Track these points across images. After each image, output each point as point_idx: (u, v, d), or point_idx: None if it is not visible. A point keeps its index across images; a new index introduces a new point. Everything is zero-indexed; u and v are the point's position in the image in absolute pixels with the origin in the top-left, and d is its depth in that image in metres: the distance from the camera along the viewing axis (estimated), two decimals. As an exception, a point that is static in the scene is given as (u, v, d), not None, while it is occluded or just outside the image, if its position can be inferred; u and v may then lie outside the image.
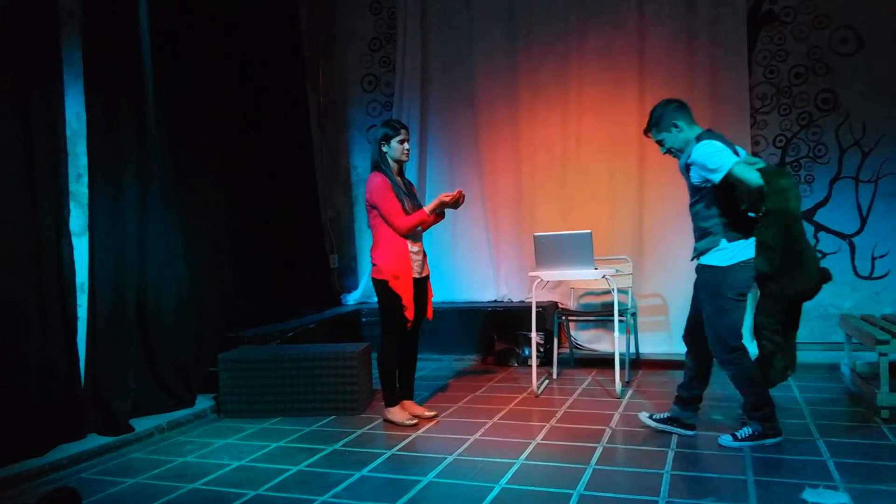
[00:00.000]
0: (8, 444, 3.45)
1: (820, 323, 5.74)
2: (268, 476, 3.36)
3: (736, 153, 3.47)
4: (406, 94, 6.77)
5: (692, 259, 3.66)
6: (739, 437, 3.55)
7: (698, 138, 3.49)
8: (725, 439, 3.57)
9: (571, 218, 6.18)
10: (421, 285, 4.22)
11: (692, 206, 3.60)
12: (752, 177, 3.29)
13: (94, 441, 3.84)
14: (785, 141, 5.84)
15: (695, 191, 3.55)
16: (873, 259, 5.65)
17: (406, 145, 4.17)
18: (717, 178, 3.36)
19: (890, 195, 5.58)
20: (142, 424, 4.12)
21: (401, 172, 4.26)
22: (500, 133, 6.55)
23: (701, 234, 3.57)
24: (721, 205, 3.46)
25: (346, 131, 7.17)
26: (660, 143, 3.64)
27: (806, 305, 5.68)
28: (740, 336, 3.54)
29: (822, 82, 5.70)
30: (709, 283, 3.53)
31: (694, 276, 5.97)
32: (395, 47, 6.89)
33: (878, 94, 5.54)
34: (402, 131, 4.16)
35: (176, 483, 3.31)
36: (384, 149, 4.14)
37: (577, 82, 6.27)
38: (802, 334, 5.72)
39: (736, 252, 3.46)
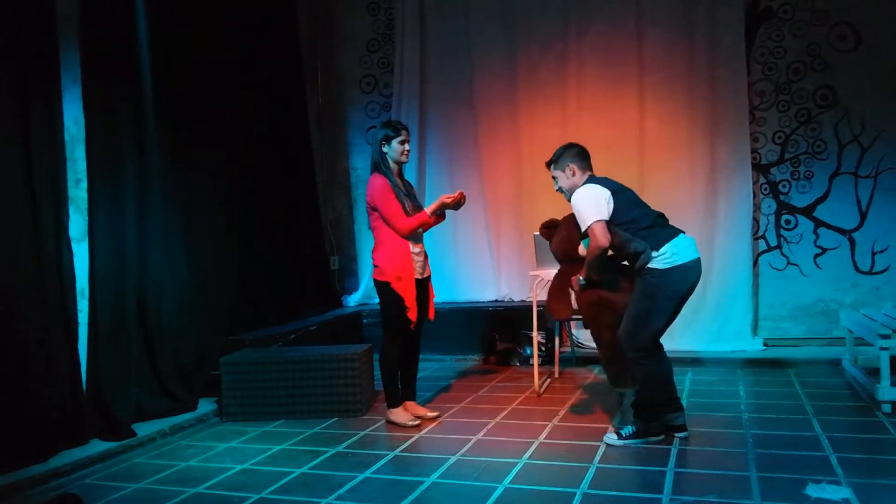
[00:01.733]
0: (11, 449, 3.45)
1: (821, 318, 5.75)
2: (271, 479, 3.36)
3: (622, 193, 3.64)
4: (405, 94, 6.77)
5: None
6: (626, 436, 3.61)
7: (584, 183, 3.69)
8: (609, 437, 3.65)
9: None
10: (423, 286, 4.22)
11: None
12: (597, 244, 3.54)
13: (97, 446, 3.83)
14: (784, 137, 5.84)
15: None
16: (873, 254, 5.65)
17: (406, 146, 4.17)
18: (583, 227, 3.59)
19: (889, 190, 5.58)
20: (144, 429, 4.12)
21: (400, 173, 4.26)
22: (499, 133, 6.55)
23: (630, 258, 3.65)
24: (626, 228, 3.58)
25: (346, 132, 7.17)
26: (554, 178, 3.84)
27: (806, 301, 5.76)
28: (658, 338, 3.63)
29: (821, 78, 5.71)
30: (648, 284, 3.56)
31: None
32: (393, 48, 6.89)
33: (877, 90, 5.54)
34: (403, 132, 4.16)
35: (179, 487, 3.31)
36: (384, 150, 4.14)
37: (576, 81, 6.27)
38: (804, 330, 5.81)
39: (667, 257, 3.52)
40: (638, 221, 3.57)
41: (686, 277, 3.55)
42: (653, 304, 3.55)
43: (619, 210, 3.57)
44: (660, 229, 3.60)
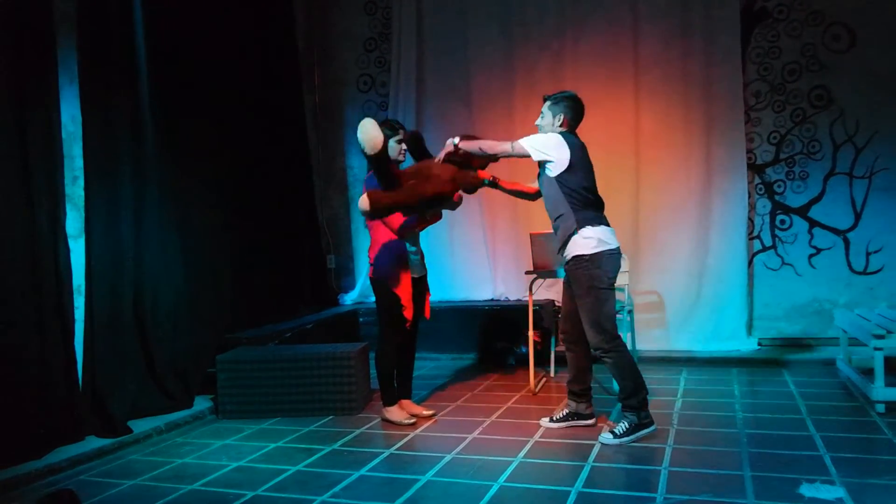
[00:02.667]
0: (6, 446, 3.45)
1: (815, 318, 5.77)
2: (266, 476, 3.37)
3: (585, 157, 3.76)
4: (401, 93, 6.78)
5: (559, 252, 3.77)
6: (619, 434, 3.61)
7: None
8: (606, 437, 3.62)
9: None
10: (419, 285, 4.23)
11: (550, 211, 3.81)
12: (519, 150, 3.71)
13: (93, 443, 3.84)
14: (779, 137, 5.86)
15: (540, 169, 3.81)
16: (868, 254, 5.67)
17: (403, 146, 4.17)
18: (521, 148, 3.69)
19: (884, 190, 5.60)
20: (140, 426, 4.13)
21: None
22: (496, 131, 6.52)
23: (556, 223, 3.75)
24: (580, 188, 3.70)
25: (342, 131, 7.16)
26: (541, 113, 3.85)
27: (801, 301, 5.78)
28: (615, 324, 3.74)
29: (816, 79, 5.72)
30: (584, 276, 3.64)
31: (689, 272, 5.99)
32: (390, 47, 6.89)
33: (872, 90, 5.56)
34: (401, 131, 4.16)
35: (175, 484, 3.32)
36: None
37: (572, 80, 6.25)
38: (799, 330, 5.83)
39: (599, 240, 3.63)
40: (590, 190, 3.72)
41: (615, 262, 3.69)
42: (598, 294, 3.63)
43: (578, 166, 3.67)
44: (598, 212, 3.74)
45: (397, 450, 3.72)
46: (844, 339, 4.94)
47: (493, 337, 6.03)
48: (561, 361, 5.68)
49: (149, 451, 3.87)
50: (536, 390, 4.87)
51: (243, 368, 4.51)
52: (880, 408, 3.97)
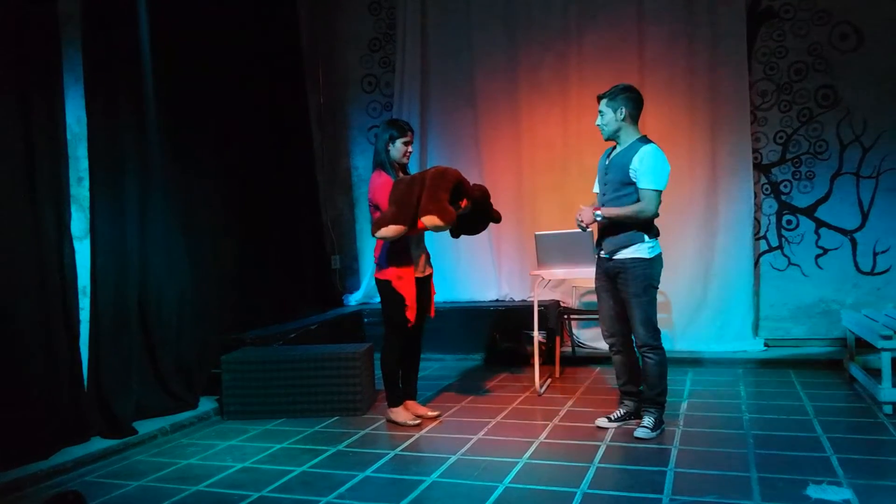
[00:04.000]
0: (12, 447, 3.45)
1: (822, 319, 5.74)
2: (271, 477, 3.36)
3: None
4: (406, 94, 6.77)
5: (611, 254, 3.81)
6: (653, 427, 3.74)
7: (642, 140, 3.76)
8: (643, 432, 3.72)
9: (573, 216, 6.13)
10: (423, 284, 4.22)
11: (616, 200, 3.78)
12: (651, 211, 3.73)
13: (98, 444, 3.84)
14: (785, 137, 5.84)
15: (622, 186, 3.75)
16: (875, 255, 5.64)
17: (409, 148, 4.19)
18: (645, 185, 3.68)
19: (891, 190, 5.57)
20: (145, 427, 4.13)
21: (404, 172, 4.26)
22: (500, 132, 6.54)
23: (619, 229, 3.76)
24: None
25: (347, 132, 7.16)
26: (600, 113, 3.80)
27: (808, 301, 5.75)
28: None
29: (823, 78, 5.70)
30: (635, 275, 3.73)
31: (695, 273, 5.96)
32: (394, 47, 6.88)
33: (879, 90, 5.54)
34: (409, 133, 4.18)
35: (180, 485, 3.31)
36: (389, 148, 4.14)
37: (577, 80, 6.26)
38: (805, 330, 5.81)
39: (655, 245, 3.79)
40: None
41: (661, 267, 3.85)
42: (652, 294, 3.77)
43: None
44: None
45: (402, 451, 3.71)
46: (851, 340, 4.91)
47: (498, 338, 6.01)
48: (566, 361, 5.68)
49: (154, 452, 3.88)
50: (542, 391, 4.86)
51: (248, 369, 4.51)
52: (888, 409, 3.95)
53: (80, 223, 4.11)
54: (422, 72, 6.73)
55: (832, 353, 5.37)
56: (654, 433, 3.71)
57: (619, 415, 3.99)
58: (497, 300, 6.57)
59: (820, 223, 5.77)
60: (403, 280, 4.05)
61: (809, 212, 5.80)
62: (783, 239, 5.88)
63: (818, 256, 5.78)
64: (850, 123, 5.64)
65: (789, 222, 5.86)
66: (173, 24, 4.78)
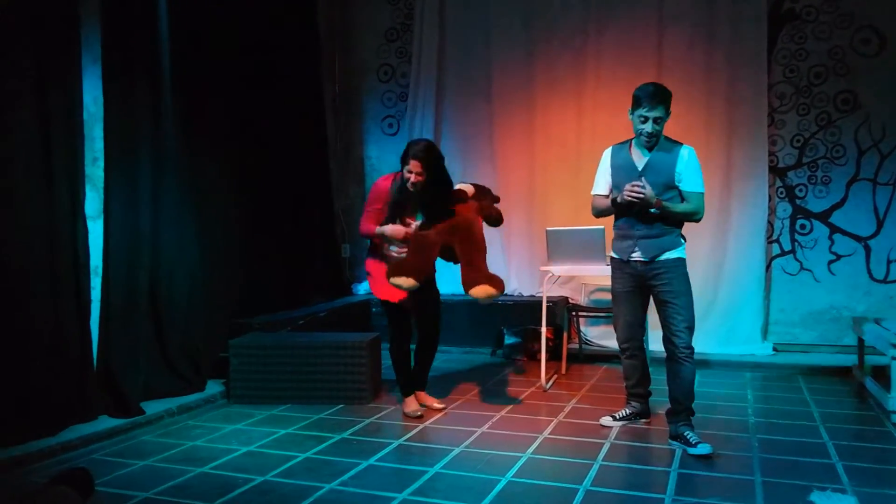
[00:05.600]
0: (21, 423, 3.49)
1: (832, 325, 5.70)
2: (276, 462, 3.38)
3: None
4: (422, 85, 6.76)
5: (646, 258, 3.63)
6: (694, 442, 3.48)
7: (673, 140, 3.69)
8: (705, 448, 3.42)
9: (584, 214, 6.11)
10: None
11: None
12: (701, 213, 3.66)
13: (106, 423, 3.87)
14: (802, 141, 5.79)
15: (666, 190, 3.61)
16: (889, 262, 5.59)
17: (412, 177, 3.92)
18: (699, 189, 3.60)
19: (908, 198, 5.53)
20: (152, 407, 4.16)
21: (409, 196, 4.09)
22: (514, 127, 6.52)
23: (662, 231, 3.62)
24: None
25: (361, 121, 7.16)
26: (656, 120, 3.55)
27: (818, 307, 5.71)
28: None
29: (843, 83, 5.64)
30: (679, 275, 3.62)
31: (706, 275, 5.92)
32: (412, 38, 6.86)
33: (900, 96, 5.48)
34: (411, 161, 3.91)
35: (185, 466, 3.34)
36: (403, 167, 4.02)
37: (593, 78, 6.23)
38: (815, 336, 5.77)
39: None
40: None
41: None
42: (692, 295, 3.68)
43: None
44: None
45: (407, 441, 3.72)
46: (861, 348, 4.88)
47: (505, 332, 6.00)
48: (573, 358, 5.67)
49: (160, 433, 3.91)
50: (548, 387, 4.86)
51: (256, 354, 4.53)
52: (895, 417, 3.93)
53: (93, 203, 4.13)
54: (438, 63, 6.72)
55: (841, 360, 5.33)
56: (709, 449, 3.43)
57: (624, 414, 3.98)
58: (506, 295, 6.55)
59: (834, 229, 5.73)
60: (373, 277, 4.18)
61: (824, 217, 5.75)
62: (796, 243, 5.84)
63: (831, 262, 5.74)
64: (868, 129, 5.58)
65: (803, 227, 5.82)
66: (192, 9, 4.79)
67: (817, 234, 5.77)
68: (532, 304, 5.88)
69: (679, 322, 3.58)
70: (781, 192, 5.87)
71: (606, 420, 3.96)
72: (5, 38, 3.55)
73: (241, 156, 5.41)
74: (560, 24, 6.29)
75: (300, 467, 3.33)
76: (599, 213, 3.90)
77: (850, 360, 5.15)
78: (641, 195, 3.48)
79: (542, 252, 5.05)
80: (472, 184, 4.24)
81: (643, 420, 4.00)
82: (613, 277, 3.84)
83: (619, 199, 3.59)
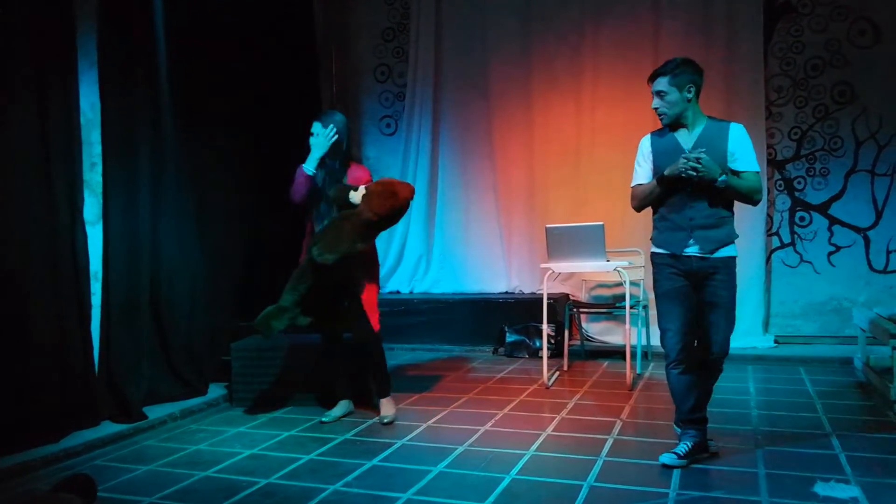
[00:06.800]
0: (23, 430, 3.49)
1: (833, 316, 5.71)
2: (279, 464, 3.38)
3: None
4: (419, 84, 6.76)
5: (706, 252, 3.15)
6: (682, 454, 3.19)
7: (716, 118, 3.28)
8: (668, 458, 3.18)
9: (584, 210, 6.16)
10: (326, 280, 3.92)
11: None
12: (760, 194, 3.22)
13: (109, 428, 3.87)
14: (800, 133, 5.79)
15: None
16: (888, 253, 5.60)
17: (311, 138, 4.04)
18: (752, 168, 3.15)
19: (906, 189, 5.53)
20: (155, 412, 4.16)
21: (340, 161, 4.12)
22: (513, 124, 6.53)
23: (719, 221, 3.16)
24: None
25: (359, 121, 7.16)
26: (659, 94, 3.20)
27: (819, 299, 5.72)
28: None
29: (839, 74, 5.65)
30: (732, 276, 3.19)
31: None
32: (408, 37, 6.87)
33: (896, 87, 5.49)
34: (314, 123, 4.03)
35: (189, 470, 3.34)
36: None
37: (591, 74, 6.23)
38: (816, 328, 5.77)
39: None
40: None
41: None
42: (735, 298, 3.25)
43: None
44: None
45: (410, 440, 3.72)
46: (862, 338, 4.88)
47: (506, 330, 6.01)
48: (574, 355, 5.67)
49: (163, 437, 3.91)
50: (550, 384, 4.86)
51: (258, 357, 4.53)
52: (898, 408, 3.93)
53: (92, 208, 4.12)
54: (435, 62, 6.72)
55: (842, 351, 5.33)
56: (684, 461, 3.16)
57: (686, 449, 3.22)
58: (506, 292, 6.57)
59: (833, 220, 5.73)
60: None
61: (823, 209, 5.76)
62: (796, 236, 5.85)
63: (831, 254, 5.75)
64: (865, 120, 5.59)
65: (802, 219, 5.82)
66: (187, 12, 4.78)
67: (816, 225, 5.78)
68: (533, 302, 5.88)
69: (721, 330, 3.18)
70: (780, 185, 5.87)
71: (669, 458, 3.19)
72: (1, 43, 3.54)
73: (240, 158, 5.40)
74: (556, 21, 6.30)
75: (304, 469, 3.33)
76: (643, 203, 3.31)
77: (852, 350, 5.15)
78: (700, 167, 3.00)
79: (542, 249, 5.05)
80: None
81: (705, 455, 3.29)
82: (659, 275, 3.27)
83: (667, 173, 3.10)
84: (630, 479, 3.08)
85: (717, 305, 3.18)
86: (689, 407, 3.28)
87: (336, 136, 4.03)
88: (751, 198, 3.17)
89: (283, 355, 4.52)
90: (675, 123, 3.25)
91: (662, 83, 3.19)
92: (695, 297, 3.21)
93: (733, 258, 3.20)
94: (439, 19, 6.71)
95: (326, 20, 7.03)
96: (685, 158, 3.05)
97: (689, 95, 3.18)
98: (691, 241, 3.16)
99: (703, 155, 3.03)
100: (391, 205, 3.83)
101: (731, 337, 3.26)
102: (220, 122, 5.17)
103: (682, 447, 3.22)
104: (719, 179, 3.05)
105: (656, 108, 3.24)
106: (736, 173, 3.15)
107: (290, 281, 3.86)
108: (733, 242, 3.20)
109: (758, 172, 3.20)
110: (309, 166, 4.03)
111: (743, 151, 3.16)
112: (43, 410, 3.61)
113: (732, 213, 3.23)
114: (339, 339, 4.20)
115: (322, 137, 4.01)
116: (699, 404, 3.29)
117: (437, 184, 6.73)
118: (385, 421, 4.02)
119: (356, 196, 3.87)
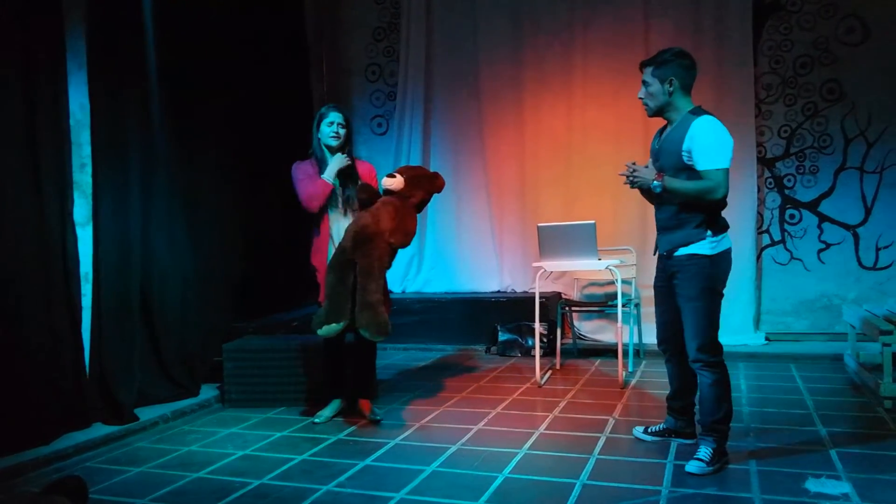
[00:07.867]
0: (14, 432, 3.46)
1: (824, 313, 5.74)
2: (272, 465, 3.38)
3: None
4: (410, 83, 6.76)
5: (663, 252, 3.28)
6: (709, 461, 3.08)
7: (694, 112, 3.15)
8: (696, 466, 3.07)
9: (576, 208, 6.17)
10: None
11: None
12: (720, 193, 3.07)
13: (100, 430, 3.85)
14: (790, 131, 5.82)
15: (677, 173, 3.13)
16: (878, 249, 5.64)
17: (333, 128, 4.13)
18: (705, 166, 3.04)
19: (895, 186, 5.56)
20: (147, 414, 4.14)
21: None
22: (504, 123, 6.53)
23: (679, 223, 3.16)
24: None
25: (351, 121, 7.12)
26: (643, 83, 3.20)
27: (809, 296, 5.75)
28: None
29: (828, 72, 5.68)
30: (694, 277, 3.13)
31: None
32: (399, 37, 6.86)
33: (884, 85, 5.52)
34: (330, 113, 4.12)
35: (181, 472, 3.33)
36: (317, 134, 4.16)
37: (581, 72, 6.25)
38: (806, 325, 5.80)
39: (721, 241, 3.16)
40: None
41: (727, 266, 3.22)
42: (710, 299, 3.14)
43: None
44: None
45: (403, 440, 3.72)
46: (853, 335, 4.92)
47: (498, 329, 6.01)
48: (567, 353, 5.69)
49: (155, 439, 3.89)
50: (542, 383, 4.87)
51: (250, 357, 4.51)
52: (888, 404, 3.95)
53: (82, 209, 4.10)
54: (426, 61, 6.72)
55: (833, 348, 5.36)
56: (710, 468, 3.05)
57: (657, 429, 3.55)
58: (499, 291, 6.58)
59: (823, 218, 5.76)
60: (320, 273, 4.08)
61: (812, 206, 5.79)
62: (786, 233, 5.87)
63: (821, 251, 5.78)
64: (854, 118, 5.62)
65: (792, 217, 5.85)
66: (177, 12, 4.76)
67: (806, 223, 5.81)
68: (525, 301, 5.89)
69: (690, 334, 3.17)
70: (770, 183, 5.90)
71: (638, 431, 3.59)
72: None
73: (231, 158, 5.39)
74: (546, 20, 6.31)
75: (297, 469, 3.32)
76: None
77: (842, 347, 5.18)
78: (631, 177, 3.15)
79: (534, 248, 5.05)
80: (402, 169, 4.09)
81: (679, 439, 3.47)
82: (655, 272, 3.45)
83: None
84: (623, 476, 3.09)
85: (682, 307, 3.21)
86: (669, 393, 3.55)
87: (349, 161, 4.16)
88: (701, 198, 3.06)
89: (275, 356, 4.51)
90: (657, 115, 3.27)
91: (647, 73, 3.22)
92: (672, 296, 3.30)
93: (694, 256, 3.12)
94: (430, 19, 6.71)
95: (317, 20, 7.02)
96: (626, 166, 3.23)
97: (671, 89, 3.16)
98: (659, 243, 3.35)
99: (634, 165, 3.21)
100: (435, 186, 4.08)
101: (722, 334, 3.24)
102: (210, 122, 5.16)
103: (656, 426, 3.57)
104: (653, 185, 3.13)
105: (641, 98, 3.27)
106: (697, 172, 3.08)
107: (333, 297, 3.78)
108: (695, 242, 3.12)
109: (720, 169, 3.03)
110: (329, 177, 4.10)
111: (700, 148, 3.05)
112: (33, 412, 3.59)
113: (701, 214, 3.11)
114: (342, 339, 4.19)
115: (342, 157, 4.12)
116: (676, 394, 3.50)
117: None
118: (377, 418, 4.04)
119: (392, 183, 3.92)
